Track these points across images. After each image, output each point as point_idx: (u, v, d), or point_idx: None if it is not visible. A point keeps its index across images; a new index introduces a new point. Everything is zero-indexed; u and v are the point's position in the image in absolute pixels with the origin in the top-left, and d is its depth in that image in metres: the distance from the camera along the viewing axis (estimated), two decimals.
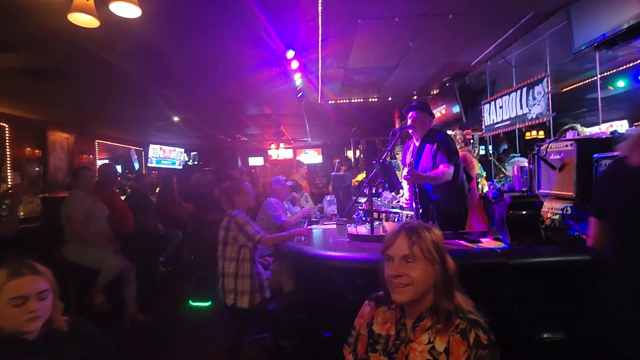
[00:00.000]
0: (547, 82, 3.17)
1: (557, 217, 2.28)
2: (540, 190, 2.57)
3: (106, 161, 7.78)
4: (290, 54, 3.34)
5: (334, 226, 2.95)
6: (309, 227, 3.13)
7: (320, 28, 2.96)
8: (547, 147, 2.48)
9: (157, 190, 6.15)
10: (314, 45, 3.31)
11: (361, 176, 5.47)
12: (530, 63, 3.70)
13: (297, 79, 4.11)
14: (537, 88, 3.30)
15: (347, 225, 2.50)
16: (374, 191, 2.59)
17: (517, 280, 1.77)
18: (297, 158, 11.42)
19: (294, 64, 3.50)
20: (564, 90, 5.13)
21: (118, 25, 2.34)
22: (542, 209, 2.31)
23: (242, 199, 2.66)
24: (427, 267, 1.07)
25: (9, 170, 5.42)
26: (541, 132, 6.95)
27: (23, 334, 1.20)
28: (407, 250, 1.08)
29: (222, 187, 2.82)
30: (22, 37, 2.96)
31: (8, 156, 5.47)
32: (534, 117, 3.36)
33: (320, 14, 2.76)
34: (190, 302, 3.98)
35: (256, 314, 2.49)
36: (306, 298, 2.35)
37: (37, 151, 6.04)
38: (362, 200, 3.05)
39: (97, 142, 7.87)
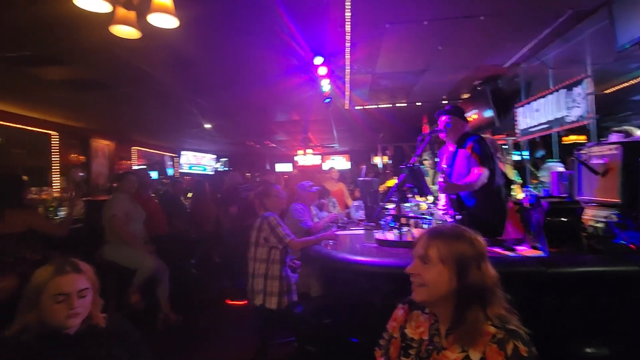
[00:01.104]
0: (588, 83, 3.00)
1: (600, 225, 2.14)
2: (581, 197, 2.43)
3: (143, 167, 8.17)
4: (318, 60, 3.38)
5: (361, 231, 2.93)
6: (335, 231, 3.12)
7: (347, 34, 2.98)
8: (589, 151, 2.35)
9: (188, 195, 6.38)
10: (342, 51, 3.33)
11: (391, 182, 5.38)
12: (569, 64, 3.53)
13: (325, 85, 4.14)
14: (577, 89, 3.14)
15: (375, 230, 2.47)
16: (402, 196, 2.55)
17: (557, 291, 1.67)
18: (325, 164, 11.46)
19: (322, 70, 3.54)
20: (606, 92, 4.84)
21: (154, 37, 2.47)
22: (584, 217, 2.18)
23: (272, 201, 2.74)
24: (441, 272, 1.03)
25: (56, 175, 5.82)
26: (582, 137, 6.56)
27: (64, 329, 1.26)
28: (422, 251, 1.08)
29: (256, 191, 2.92)
30: (69, 51, 3.19)
31: (56, 162, 5.88)
32: (573, 119, 3.19)
33: (347, 20, 2.78)
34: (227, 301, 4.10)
35: (284, 316, 2.50)
36: (333, 303, 2.34)
37: (81, 157, 6.45)
38: (390, 206, 3.01)
39: (135, 149, 8.28)
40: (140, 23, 1.94)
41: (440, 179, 2.31)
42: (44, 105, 5.03)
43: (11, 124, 5.15)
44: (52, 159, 5.86)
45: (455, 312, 1.03)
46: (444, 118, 2.62)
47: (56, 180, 5.80)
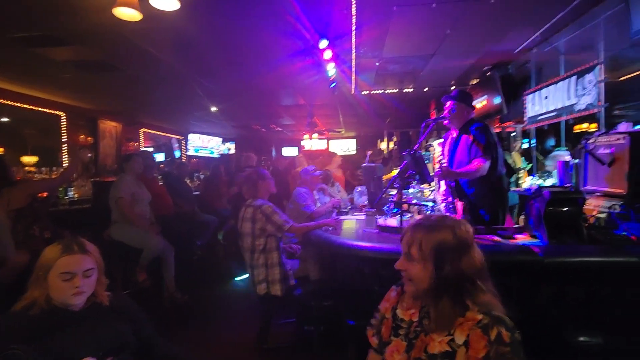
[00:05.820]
0: (600, 69, 2.92)
1: (603, 215, 2.13)
2: (587, 187, 2.41)
3: (150, 149, 8.23)
4: (323, 43, 3.33)
5: (363, 217, 2.94)
6: (337, 217, 3.15)
7: (354, 16, 2.92)
8: (596, 140, 2.31)
9: (201, 176, 6.41)
10: (348, 34, 3.27)
11: (394, 173, 5.36)
12: (582, 50, 3.42)
13: (330, 69, 4.09)
14: (588, 77, 3.06)
15: (377, 216, 2.48)
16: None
17: (553, 280, 1.68)
18: (330, 149, 11.43)
19: (327, 54, 3.49)
20: (620, 79, 4.71)
21: (159, 18, 2.46)
22: (588, 207, 2.16)
23: (264, 185, 2.67)
24: (424, 268, 1.05)
25: (64, 156, 5.91)
26: (593, 125, 6.43)
27: (69, 306, 1.32)
28: (406, 248, 1.10)
29: (243, 175, 2.88)
30: (74, 32, 3.18)
31: (64, 143, 5.96)
32: (582, 108, 3.12)
33: (354, 2, 2.72)
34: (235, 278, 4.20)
35: (286, 300, 2.56)
36: (332, 286, 2.38)
37: (89, 138, 6.52)
38: (393, 192, 3.01)
39: (142, 131, 8.33)
40: (143, 5, 1.93)
41: (438, 166, 2.30)
42: (53, 87, 5.07)
43: (22, 105, 5.21)
44: (62, 140, 5.95)
45: (432, 301, 1.06)
46: (448, 103, 2.59)
47: (66, 160, 5.90)
